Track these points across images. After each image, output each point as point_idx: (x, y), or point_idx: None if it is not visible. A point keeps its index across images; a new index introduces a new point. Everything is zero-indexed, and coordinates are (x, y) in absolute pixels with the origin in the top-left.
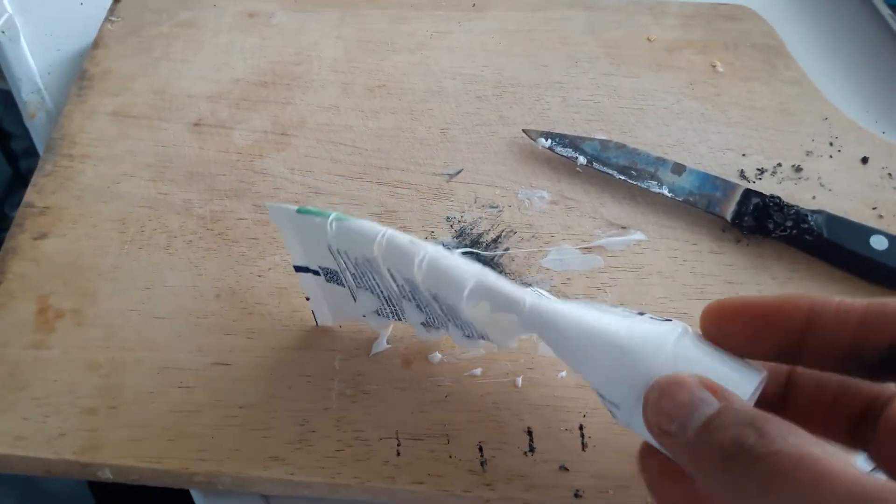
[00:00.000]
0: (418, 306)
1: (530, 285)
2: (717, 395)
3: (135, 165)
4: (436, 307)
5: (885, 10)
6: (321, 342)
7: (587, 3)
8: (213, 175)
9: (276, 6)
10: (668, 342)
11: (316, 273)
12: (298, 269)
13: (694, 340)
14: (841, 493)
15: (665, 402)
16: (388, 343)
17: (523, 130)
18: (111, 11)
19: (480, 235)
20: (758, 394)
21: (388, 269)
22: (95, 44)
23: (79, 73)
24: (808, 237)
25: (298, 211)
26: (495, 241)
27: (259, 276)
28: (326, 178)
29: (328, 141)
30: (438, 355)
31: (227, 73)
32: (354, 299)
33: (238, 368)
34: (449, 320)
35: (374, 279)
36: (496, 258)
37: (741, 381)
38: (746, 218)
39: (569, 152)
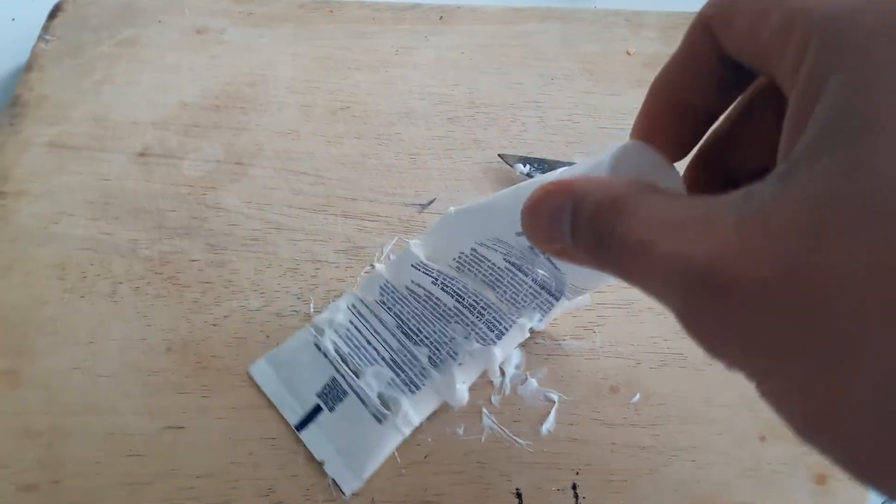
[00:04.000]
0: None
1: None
2: (567, 191)
3: (74, 202)
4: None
5: None
6: None
7: (560, 14)
8: (161, 211)
9: (226, 22)
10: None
11: (318, 409)
12: (301, 425)
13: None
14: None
15: (534, 227)
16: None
17: (499, 155)
18: (45, 30)
19: None
20: (646, 162)
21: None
22: (29, 66)
23: (10, 99)
24: None
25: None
26: None
27: (214, 325)
28: (287, 212)
29: (287, 170)
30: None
31: (175, 96)
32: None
33: (193, 432)
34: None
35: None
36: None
37: (599, 161)
38: None
39: None
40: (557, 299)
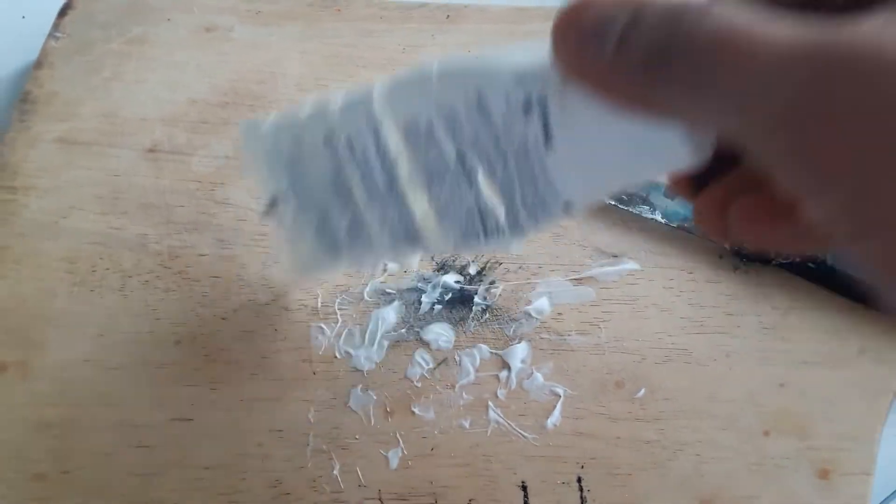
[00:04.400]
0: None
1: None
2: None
3: (84, 197)
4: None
5: None
6: (293, 392)
7: None
8: (170, 206)
9: (234, 20)
10: None
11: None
12: (270, 206)
13: None
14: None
15: (566, 39)
16: (367, 390)
17: None
18: (55, 27)
19: (464, 268)
20: None
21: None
22: (38, 63)
23: (20, 95)
24: (810, 264)
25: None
26: (480, 273)
27: (223, 319)
28: None
29: None
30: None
31: (184, 93)
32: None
33: (202, 424)
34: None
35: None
36: (481, 292)
37: None
38: (745, 244)
39: None
40: (488, 236)
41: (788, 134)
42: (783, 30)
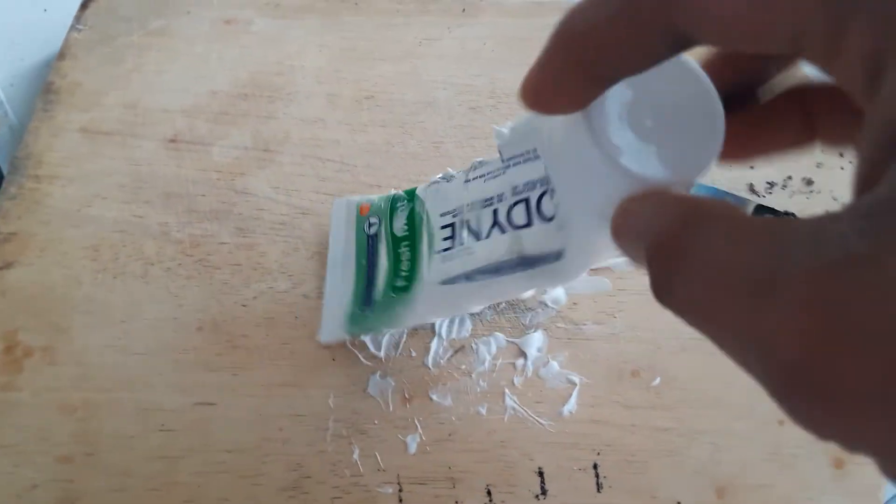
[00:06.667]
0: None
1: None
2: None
3: (107, 186)
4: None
5: None
6: (313, 378)
7: None
8: (191, 196)
9: (254, 13)
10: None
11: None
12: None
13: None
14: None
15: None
16: (385, 377)
17: None
18: (77, 19)
19: None
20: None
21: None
22: (61, 54)
23: (44, 86)
24: None
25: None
26: None
27: (244, 306)
28: (314, 198)
29: (314, 157)
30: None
31: (204, 84)
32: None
33: (224, 408)
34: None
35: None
36: None
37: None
38: None
39: None
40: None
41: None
42: (737, 311)
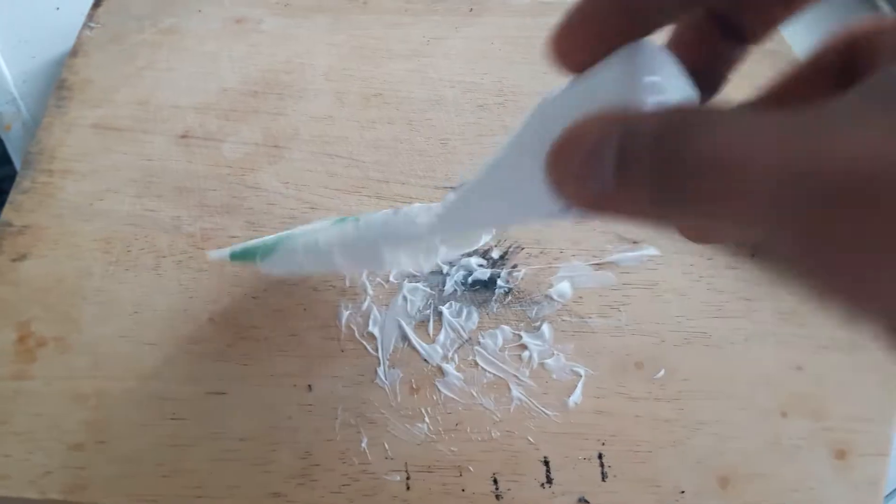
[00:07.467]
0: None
1: None
2: (614, 119)
3: (119, 181)
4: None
5: (886, 8)
6: (322, 368)
7: None
8: (202, 190)
9: (264, 12)
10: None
11: None
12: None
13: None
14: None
15: (564, 167)
16: (393, 367)
17: None
18: (90, 17)
19: (486, 252)
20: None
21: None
22: (74, 51)
23: (56, 83)
24: None
25: (231, 257)
26: (502, 257)
27: (254, 298)
28: (322, 193)
29: (323, 153)
30: (452, 370)
31: (215, 82)
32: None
33: (234, 397)
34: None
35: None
36: (504, 275)
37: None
38: None
39: None
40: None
41: (802, 249)
42: (782, 152)
